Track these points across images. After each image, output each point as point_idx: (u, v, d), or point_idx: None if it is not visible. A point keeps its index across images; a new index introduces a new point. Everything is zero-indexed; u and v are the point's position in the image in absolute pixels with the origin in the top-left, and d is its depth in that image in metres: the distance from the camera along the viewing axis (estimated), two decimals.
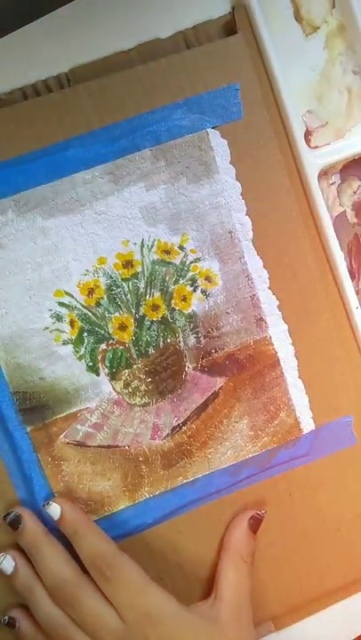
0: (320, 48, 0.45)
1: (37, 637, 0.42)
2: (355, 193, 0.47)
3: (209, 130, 0.42)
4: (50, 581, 0.41)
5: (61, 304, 0.42)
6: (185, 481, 0.45)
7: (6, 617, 0.42)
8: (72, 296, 0.42)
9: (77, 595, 0.40)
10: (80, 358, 0.43)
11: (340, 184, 0.47)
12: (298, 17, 0.44)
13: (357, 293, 0.46)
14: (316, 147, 0.45)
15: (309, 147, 0.44)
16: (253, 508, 0.45)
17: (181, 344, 0.44)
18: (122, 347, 0.43)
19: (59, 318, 0.42)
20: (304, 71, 0.44)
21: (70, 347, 0.43)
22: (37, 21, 0.41)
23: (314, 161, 0.44)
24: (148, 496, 0.44)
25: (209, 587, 0.45)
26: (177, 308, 0.43)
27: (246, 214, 0.43)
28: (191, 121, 0.42)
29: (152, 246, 0.43)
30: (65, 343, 0.42)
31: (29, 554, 0.42)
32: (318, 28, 0.44)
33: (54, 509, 0.42)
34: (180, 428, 0.44)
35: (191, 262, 0.43)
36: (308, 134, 0.45)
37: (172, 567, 0.45)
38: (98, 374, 0.43)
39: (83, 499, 0.44)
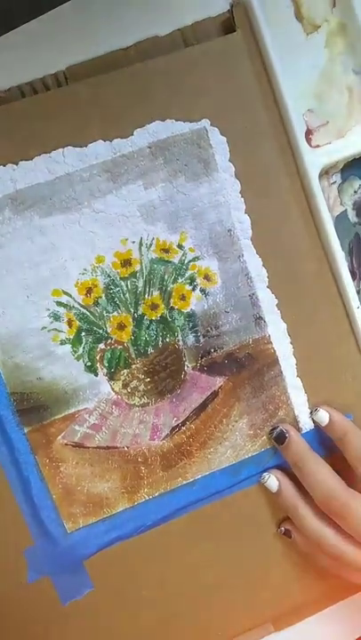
0: (321, 47, 0.44)
1: (311, 546, 0.44)
2: (356, 192, 0.47)
3: (208, 127, 0.42)
4: (321, 492, 0.42)
5: (59, 303, 0.42)
6: (185, 482, 0.44)
7: (283, 528, 0.45)
8: (70, 295, 0.42)
9: (350, 504, 0.41)
10: (78, 358, 0.42)
11: (341, 183, 0.47)
12: (298, 16, 0.44)
13: (358, 293, 0.45)
14: (318, 146, 0.44)
15: (310, 146, 0.44)
16: (253, 510, 0.45)
17: (180, 343, 0.43)
18: (120, 346, 0.43)
19: (56, 318, 0.42)
20: (305, 70, 0.44)
21: (68, 346, 0.42)
22: (35, 19, 0.41)
23: (315, 160, 0.44)
24: (147, 497, 0.44)
25: (210, 588, 0.45)
26: (176, 307, 0.43)
27: (245, 212, 0.43)
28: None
29: (151, 245, 0.42)
30: (63, 343, 0.42)
31: (296, 467, 0.43)
32: (319, 26, 0.44)
33: (322, 416, 0.44)
34: (179, 429, 0.44)
35: (190, 261, 0.43)
36: (308, 133, 0.44)
37: (172, 569, 0.45)
38: (96, 374, 0.43)
39: (81, 500, 0.43)
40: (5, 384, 0.42)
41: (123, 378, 0.43)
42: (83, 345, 0.42)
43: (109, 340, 0.43)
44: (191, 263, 0.43)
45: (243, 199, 0.43)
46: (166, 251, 0.43)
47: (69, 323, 0.42)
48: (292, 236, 0.44)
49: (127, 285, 0.42)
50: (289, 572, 0.46)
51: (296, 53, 0.44)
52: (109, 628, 0.45)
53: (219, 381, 0.44)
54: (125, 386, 0.43)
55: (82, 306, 0.42)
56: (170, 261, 0.43)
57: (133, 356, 0.43)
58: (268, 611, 0.46)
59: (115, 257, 0.42)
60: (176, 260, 0.43)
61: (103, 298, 0.42)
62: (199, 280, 0.43)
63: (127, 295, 0.42)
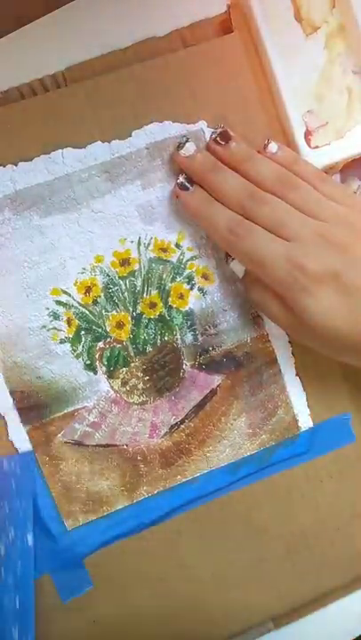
0: (320, 48, 0.45)
1: (212, 205, 0.40)
2: (355, 193, 0.47)
3: (205, 129, 0.42)
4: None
5: (58, 302, 0.42)
6: (183, 480, 0.44)
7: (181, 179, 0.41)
8: (69, 294, 0.42)
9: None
10: (77, 356, 0.43)
11: None
12: (298, 17, 0.44)
13: None
14: (317, 147, 0.45)
15: (310, 147, 0.44)
16: (251, 508, 0.45)
17: (179, 342, 0.44)
18: (119, 345, 0.43)
19: (56, 317, 0.42)
20: (304, 71, 0.44)
21: (68, 345, 0.43)
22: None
23: (314, 161, 0.44)
24: (146, 495, 0.44)
25: (209, 586, 0.45)
26: (174, 305, 0.43)
27: None
28: None
29: (149, 244, 0.43)
30: (62, 342, 0.42)
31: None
32: (319, 27, 0.44)
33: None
34: (178, 427, 0.44)
35: (188, 260, 0.43)
36: (308, 134, 0.45)
37: (172, 567, 0.45)
38: (95, 372, 0.43)
39: (81, 498, 0.44)
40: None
41: (122, 376, 0.43)
42: (82, 343, 0.43)
43: (108, 339, 0.43)
44: (189, 262, 0.43)
45: None
46: (164, 250, 0.43)
47: (69, 321, 0.42)
48: None
49: (126, 284, 0.43)
50: (288, 571, 0.46)
51: (295, 54, 0.44)
52: (109, 624, 0.45)
53: (217, 380, 0.44)
54: (124, 384, 0.43)
55: (81, 305, 0.42)
56: (168, 260, 0.43)
57: (132, 354, 0.43)
58: (267, 609, 0.46)
59: (113, 256, 0.42)
60: (174, 260, 0.43)
61: (102, 297, 0.42)
62: (197, 279, 0.43)
63: (126, 294, 0.43)
